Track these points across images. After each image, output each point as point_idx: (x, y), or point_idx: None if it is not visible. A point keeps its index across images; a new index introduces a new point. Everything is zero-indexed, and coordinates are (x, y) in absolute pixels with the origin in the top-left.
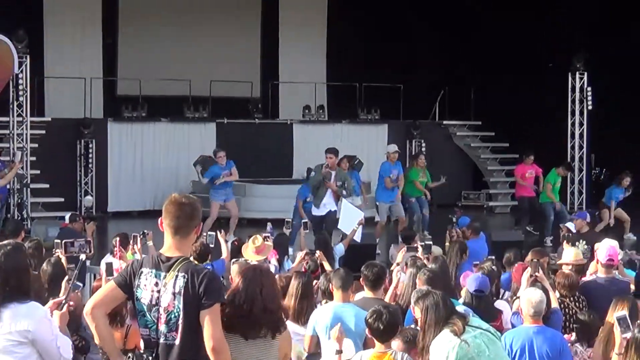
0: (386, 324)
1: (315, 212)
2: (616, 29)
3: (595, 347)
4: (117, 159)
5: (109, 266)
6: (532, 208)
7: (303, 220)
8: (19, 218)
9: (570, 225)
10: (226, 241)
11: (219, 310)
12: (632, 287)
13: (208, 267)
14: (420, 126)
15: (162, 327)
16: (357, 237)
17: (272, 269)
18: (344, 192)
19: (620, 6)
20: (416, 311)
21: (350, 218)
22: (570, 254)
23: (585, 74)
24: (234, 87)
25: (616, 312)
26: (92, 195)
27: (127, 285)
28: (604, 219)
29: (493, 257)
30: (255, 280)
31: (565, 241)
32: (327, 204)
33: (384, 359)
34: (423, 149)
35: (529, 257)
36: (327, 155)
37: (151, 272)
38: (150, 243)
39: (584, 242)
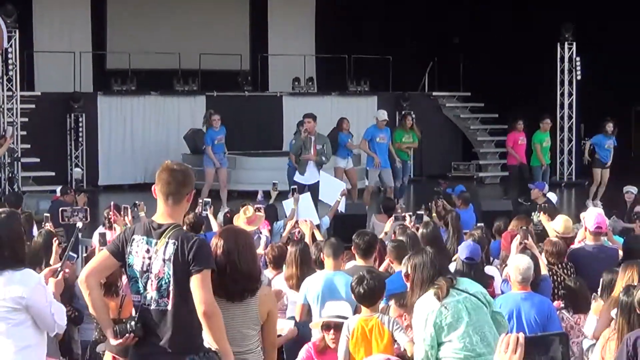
0: (368, 289)
1: (300, 179)
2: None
3: (602, 313)
4: (107, 132)
5: (102, 236)
6: (522, 176)
7: (292, 187)
8: (10, 192)
9: (551, 195)
10: (215, 215)
11: (209, 275)
12: (621, 253)
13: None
14: (409, 97)
15: (154, 294)
16: (341, 208)
17: (264, 239)
18: (324, 159)
19: None
20: (406, 268)
21: (332, 189)
22: (559, 224)
23: (574, 44)
24: (223, 60)
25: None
26: (81, 168)
27: (120, 252)
28: (594, 179)
29: (483, 225)
30: (230, 242)
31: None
32: (312, 172)
33: (370, 322)
34: (410, 112)
35: (512, 224)
36: (305, 120)
37: (143, 238)
38: (142, 214)
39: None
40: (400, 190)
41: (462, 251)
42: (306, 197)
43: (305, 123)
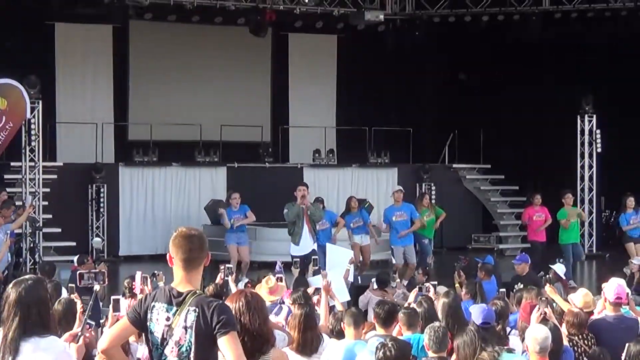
0: (391, 354)
1: (295, 251)
2: (623, 71)
3: None
4: (129, 203)
5: (116, 302)
6: (544, 254)
7: (294, 259)
8: (32, 262)
9: (558, 267)
10: (237, 283)
11: (236, 336)
12: None
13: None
14: (430, 169)
15: None
16: (350, 277)
17: (285, 310)
18: (316, 222)
19: (626, 50)
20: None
21: (339, 258)
22: (578, 299)
23: (595, 116)
24: (244, 131)
25: None
26: (102, 238)
27: (140, 321)
28: (629, 253)
29: (504, 290)
30: (241, 303)
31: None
32: (306, 240)
33: None
34: (433, 191)
35: (525, 295)
36: (301, 188)
37: (163, 306)
38: (161, 284)
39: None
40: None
41: (477, 316)
42: (331, 247)
43: (300, 191)
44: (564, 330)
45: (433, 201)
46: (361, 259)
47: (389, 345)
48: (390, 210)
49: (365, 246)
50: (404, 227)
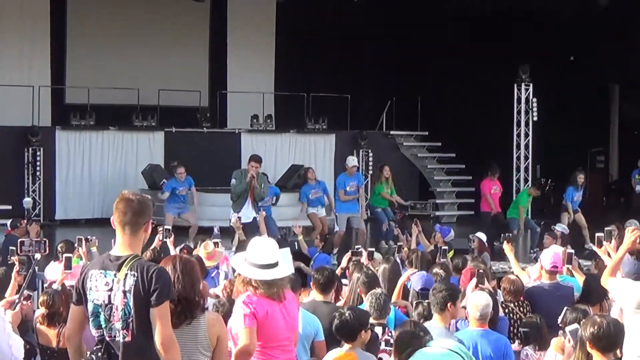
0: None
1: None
2: (560, 40)
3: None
4: (65, 167)
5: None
6: (494, 223)
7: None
8: None
9: (482, 235)
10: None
11: (168, 307)
12: (576, 293)
13: None
14: (367, 136)
15: (117, 325)
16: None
17: (222, 275)
18: (262, 197)
19: (566, 21)
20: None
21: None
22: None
23: (531, 85)
24: (182, 96)
25: (568, 326)
26: (33, 198)
27: (82, 296)
28: (562, 222)
29: (445, 261)
30: (171, 267)
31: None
32: (247, 211)
33: (348, 358)
34: (370, 158)
35: (470, 264)
36: (252, 163)
37: (101, 272)
38: (94, 249)
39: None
40: (387, 233)
41: (417, 282)
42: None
43: (251, 167)
44: (499, 297)
45: (370, 167)
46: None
47: (347, 313)
48: (343, 180)
49: (322, 217)
50: (353, 195)
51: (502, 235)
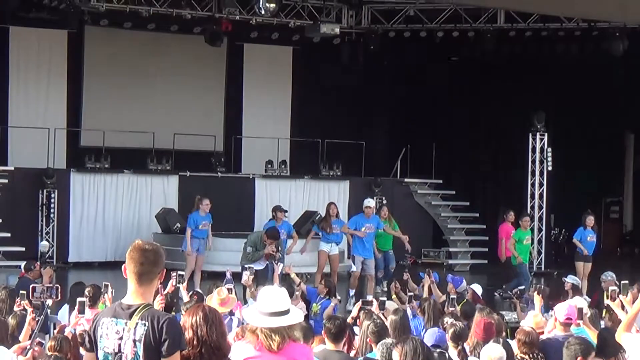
0: None
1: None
2: (577, 91)
3: None
4: (79, 209)
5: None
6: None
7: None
8: None
9: (476, 287)
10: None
11: (179, 358)
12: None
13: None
14: (381, 183)
15: None
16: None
17: (236, 322)
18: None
19: (581, 70)
20: (394, 355)
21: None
22: (529, 322)
23: (546, 135)
24: (197, 140)
25: None
26: (49, 242)
27: (93, 343)
28: (577, 272)
29: (452, 310)
30: (200, 317)
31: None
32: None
33: None
34: (384, 202)
35: (476, 317)
36: (268, 240)
37: (112, 320)
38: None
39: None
40: (384, 278)
41: (429, 339)
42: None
43: (269, 244)
44: (515, 349)
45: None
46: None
47: None
48: (360, 220)
49: (334, 256)
50: (370, 239)
51: (534, 285)
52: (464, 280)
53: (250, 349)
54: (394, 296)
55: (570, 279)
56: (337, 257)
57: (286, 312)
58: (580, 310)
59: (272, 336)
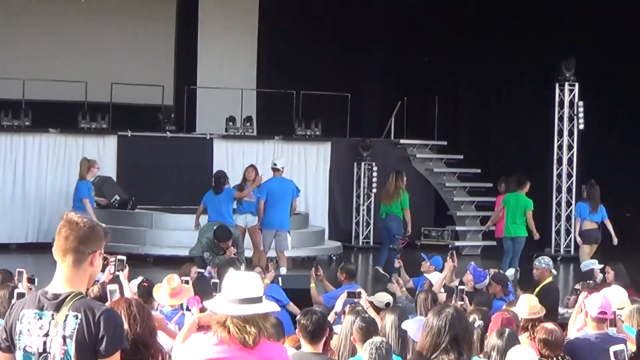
0: None
1: None
2: (614, 31)
3: None
4: None
5: None
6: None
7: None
8: None
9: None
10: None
11: (119, 358)
12: (632, 347)
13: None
14: (371, 145)
15: None
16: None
17: (190, 319)
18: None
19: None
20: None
21: None
22: (523, 307)
23: (577, 85)
24: (140, 92)
25: None
26: None
27: (10, 341)
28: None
29: (461, 304)
30: (128, 313)
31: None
32: None
33: None
34: (374, 172)
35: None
36: (221, 244)
37: (35, 313)
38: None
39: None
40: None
41: (416, 332)
42: None
43: (226, 248)
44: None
45: (374, 184)
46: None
47: None
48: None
49: (252, 228)
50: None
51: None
52: (488, 276)
53: (214, 345)
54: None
55: (584, 266)
56: (256, 228)
57: (259, 299)
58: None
59: (247, 328)
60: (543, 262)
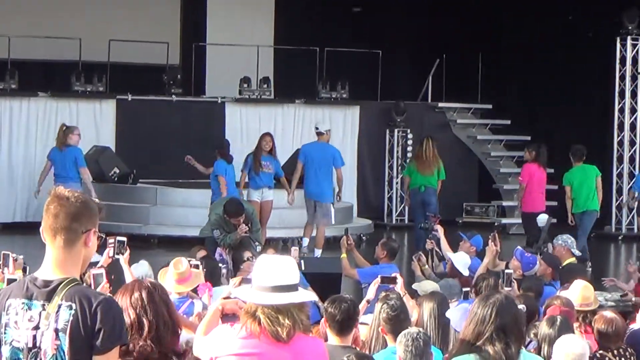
0: None
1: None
2: None
3: None
4: None
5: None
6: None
7: None
8: None
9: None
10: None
11: (117, 355)
12: None
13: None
14: (405, 109)
15: None
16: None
17: (198, 308)
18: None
19: None
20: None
21: None
22: (575, 295)
23: None
24: (142, 50)
25: None
26: None
27: None
28: None
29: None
30: (150, 296)
31: None
32: None
33: None
34: (409, 140)
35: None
36: (232, 220)
37: (23, 303)
38: (18, 274)
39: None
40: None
41: (459, 321)
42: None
43: (237, 223)
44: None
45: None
46: None
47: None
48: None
49: (265, 202)
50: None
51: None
52: (538, 262)
53: (243, 338)
54: (418, 273)
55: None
56: (270, 204)
57: (295, 287)
58: None
59: (280, 320)
60: (560, 239)
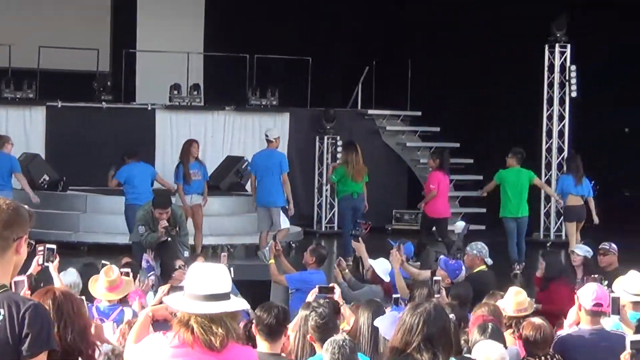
0: None
1: None
2: None
3: None
4: None
5: None
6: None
7: None
8: None
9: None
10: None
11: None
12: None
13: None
14: (335, 116)
15: None
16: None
17: (129, 316)
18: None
19: None
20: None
21: None
22: (509, 302)
23: (569, 47)
24: (72, 57)
25: None
26: None
27: None
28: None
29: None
30: (56, 309)
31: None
32: None
33: None
34: (339, 146)
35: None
36: (157, 210)
37: None
38: None
39: None
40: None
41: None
42: None
43: (159, 216)
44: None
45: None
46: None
47: None
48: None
49: (196, 206)
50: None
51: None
52: (464, 268)
53: (175, 347)
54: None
55: (579, 250)
56: (200, 207)
57: (227, 295)
58: (615, 301)
59: (213, 329)
60: (475, 248)
